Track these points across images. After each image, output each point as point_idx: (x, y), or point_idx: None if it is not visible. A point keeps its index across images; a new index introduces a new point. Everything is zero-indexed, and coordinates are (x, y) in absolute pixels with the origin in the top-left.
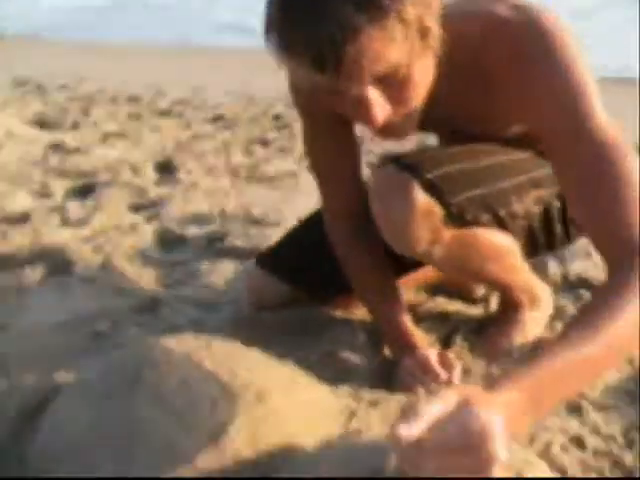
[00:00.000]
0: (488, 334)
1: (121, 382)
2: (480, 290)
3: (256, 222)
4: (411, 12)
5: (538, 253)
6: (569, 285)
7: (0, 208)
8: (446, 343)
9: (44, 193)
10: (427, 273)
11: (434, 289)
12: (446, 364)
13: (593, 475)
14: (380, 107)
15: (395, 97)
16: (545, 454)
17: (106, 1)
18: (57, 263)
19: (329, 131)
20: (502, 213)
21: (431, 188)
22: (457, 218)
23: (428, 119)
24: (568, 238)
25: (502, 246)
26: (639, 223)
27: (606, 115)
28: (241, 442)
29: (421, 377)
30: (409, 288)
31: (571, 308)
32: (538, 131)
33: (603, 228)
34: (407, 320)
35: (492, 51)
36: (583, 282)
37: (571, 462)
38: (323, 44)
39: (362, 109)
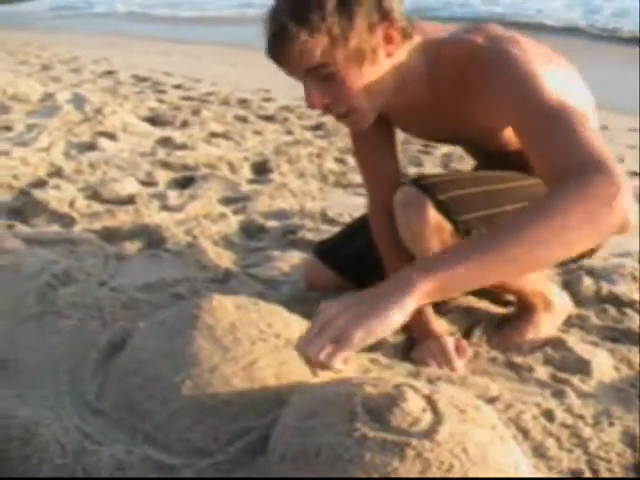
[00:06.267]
0: (504, 330)
1: (184, 321)
2: (508, 295)
3: (329, 221)
4: (335, 29)
5: None
6: (599, 299)
7: (110, 190)
8: (467, 334)
9: (149, 181)
10: None
11: None
12: (459, 349)
13: (551, 440)
14: (316, 95)
15: (331, 93)
16: (515, 419)
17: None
18: (152, 239)
19: (370, 133)
20: None
21: (442, 207)
22: (465, 233)
23: (424, 123)
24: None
25: None
26: (578, 161)
27: (560, 96)
28: (268, 374)
29: (437, 357)
30: None
31: (594, 319)
32: (504, 117)
33: (548, 164)
34: (429, 309)
35: (470, 68)
36: (613, 299)
37: (534, 426)
38: (272, 45)
39: (306, 95)
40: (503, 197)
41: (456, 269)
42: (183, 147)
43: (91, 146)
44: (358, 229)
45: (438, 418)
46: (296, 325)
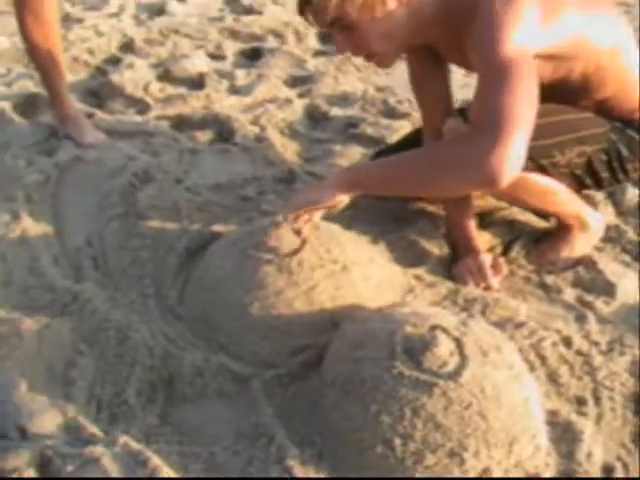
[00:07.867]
0: (541, 246)
1: (254, 245)
2: None
3: (390, 110)
4: None
5: (589, 189)
6: None
7: (181, 69)
8: (507, 247)
9: (218, 55)
10: None
11: None
12: (496, 267)
13: (565, 367)
14: (341, 43)
15: (352, 41)
16: (535, 346)
17: None
18: (222, 129)
19: (420, 62)
20: (544, 162)
21: None
22: None
23: (455, 55)
24: (617, 181)
25: (545, 185)
26: (505, 116)
27: (518, 52)
28: (325, 297)
29: (475, 275)
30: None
31: (631, 234)
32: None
33: (474, 109)
34: (472, 225)
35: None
36: None
37: (552, 354)
38: (298, 7)
39: (335, 43)
40: (545, 131)
41: (366, 173)
42: (250, 10)
43: (160, 10)
44: (413, 143)
45: (463, 361)
46: (351, 248)
